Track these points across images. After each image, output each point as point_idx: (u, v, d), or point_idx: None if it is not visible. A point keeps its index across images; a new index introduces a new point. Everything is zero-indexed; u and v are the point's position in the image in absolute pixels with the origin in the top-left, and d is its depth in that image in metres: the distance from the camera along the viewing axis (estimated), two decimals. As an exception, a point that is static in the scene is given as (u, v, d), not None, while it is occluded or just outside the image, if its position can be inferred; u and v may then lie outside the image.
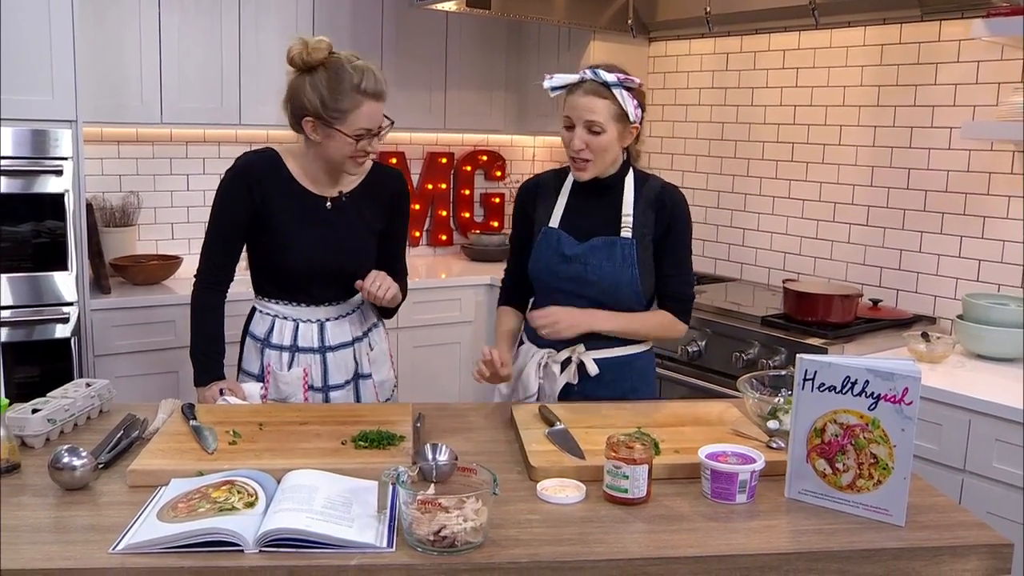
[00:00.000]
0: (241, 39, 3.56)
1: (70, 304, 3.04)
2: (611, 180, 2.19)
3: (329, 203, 2.26)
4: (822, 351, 2.76)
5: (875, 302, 3.14)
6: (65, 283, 3.03)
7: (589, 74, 2.08)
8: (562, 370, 2.19)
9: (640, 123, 2.14)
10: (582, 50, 3.96)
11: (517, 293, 2.34)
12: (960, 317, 2.81)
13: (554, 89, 2.13)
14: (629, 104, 2.08)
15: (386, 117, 2.18)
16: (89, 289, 3.11)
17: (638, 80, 2.11)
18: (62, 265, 3.02)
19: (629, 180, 2.20)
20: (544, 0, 3.75)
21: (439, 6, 3.58)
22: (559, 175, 2.28)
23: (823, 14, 3.05)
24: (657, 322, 2.22)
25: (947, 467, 2.40)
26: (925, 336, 2.75)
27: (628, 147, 2.20)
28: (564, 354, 2.19)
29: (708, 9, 3.18)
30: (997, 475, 2.31)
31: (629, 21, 3.53)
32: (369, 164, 2.29)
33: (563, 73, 2.15)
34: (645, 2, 3.84)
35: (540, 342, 2.20)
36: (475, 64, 4.28)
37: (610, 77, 2.06)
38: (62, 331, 3.03)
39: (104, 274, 3.33)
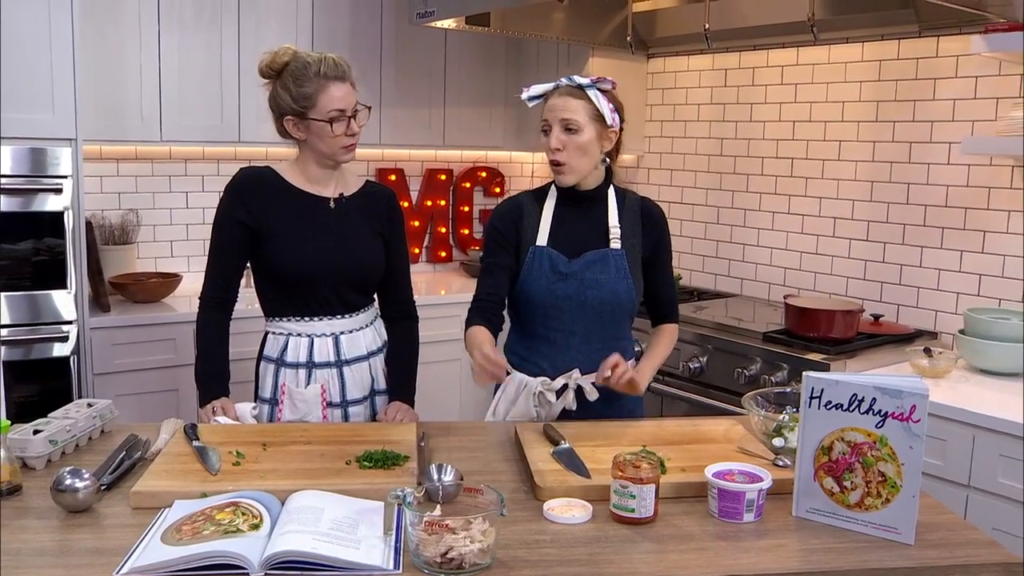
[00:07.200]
0: (240, 57, 3.56)
1: (69, 323, 3.03)
2: (595, 192, 2.21)
3: (332, 203, 2.27)
4: (824, 367, 2.76)
5: (876, 317, 3.14)
6: (64, 301, 3.02)
7: (564, 80, 2.14)
8: (557, 397, 2.17)
9: (620, 131, 2.17)
10: (581, 66, 3.96)
11: (491, 314, 2.15)
12: (962, 332, 2.80)
13: (532, 99, 2.18)
14: (604, 105, 2.11)
15: (361, 104, 2.22)
16: (88, 307, 3.10)
17: (611, 80, 2.16)
18: (61, 283, 3.01)
19: (611, 192, 2.24)
20: (543, 17, 3.75)
21: (438, 23, 3.59)
22: (536, 195, 2.27)
23: (822, 30, 3.06)
24: (669, 339, 2.30)
25: (952, 483, 2.40)
26: (927, 351, 2.75)
27: (609, 158, 2.21)
28: (560, 381, 2.16)
29: (707, 26, 3.19)
30: (1002, 490, 2.31)
31: (628, 37, 3.54)
32: (355, 161, 2.29)
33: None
34: (644, 18, 3.85)
35: (533, 371, 2.19)
36: (474, 80, 4.29)
37: (583, 80, 2.13)
38: (61, 350, 3.02)
39: (103, 292, 3.32)
